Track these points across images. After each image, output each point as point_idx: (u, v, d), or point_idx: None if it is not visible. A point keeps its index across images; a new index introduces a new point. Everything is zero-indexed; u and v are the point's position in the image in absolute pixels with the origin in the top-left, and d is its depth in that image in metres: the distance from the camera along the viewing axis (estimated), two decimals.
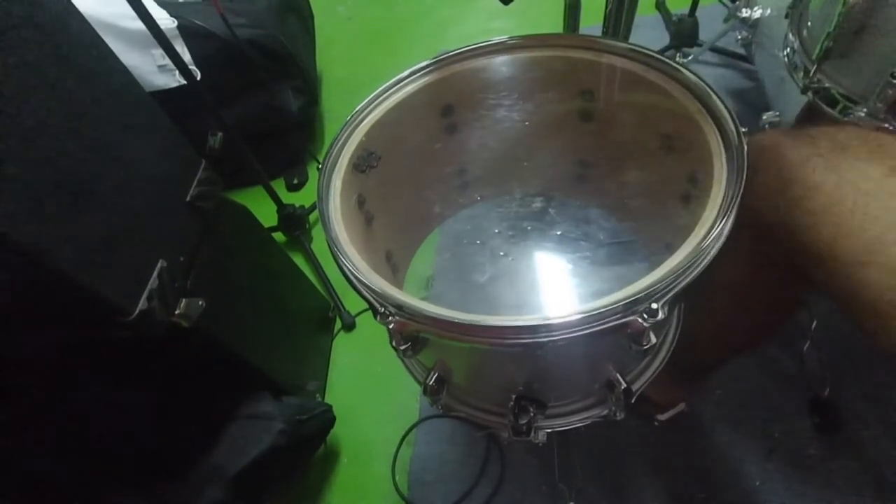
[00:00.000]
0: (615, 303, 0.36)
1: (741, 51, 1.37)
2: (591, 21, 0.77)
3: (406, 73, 0.60)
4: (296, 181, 1.47)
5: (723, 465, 0.83)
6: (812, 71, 0.70)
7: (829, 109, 0.70)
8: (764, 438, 0.84)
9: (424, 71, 0.60)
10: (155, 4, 1.07)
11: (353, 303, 1.17)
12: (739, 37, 1.26)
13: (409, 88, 0.60)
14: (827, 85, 0.69)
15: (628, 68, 0.56)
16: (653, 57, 0.54)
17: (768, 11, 1.14)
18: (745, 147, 0.42)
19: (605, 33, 0.74)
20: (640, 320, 0.35)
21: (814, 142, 0.44)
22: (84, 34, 0.55)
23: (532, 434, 0.51)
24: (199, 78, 1.06)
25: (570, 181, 0.71)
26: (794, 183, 0.43)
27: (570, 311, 0.36)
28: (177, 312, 0.59)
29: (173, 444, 0.73)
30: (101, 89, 0.55)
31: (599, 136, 0.64)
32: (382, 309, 0.40)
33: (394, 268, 0.65)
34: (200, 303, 0.61)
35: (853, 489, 0.78)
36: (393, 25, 2.00)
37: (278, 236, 1.29)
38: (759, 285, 0.54)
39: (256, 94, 1.31)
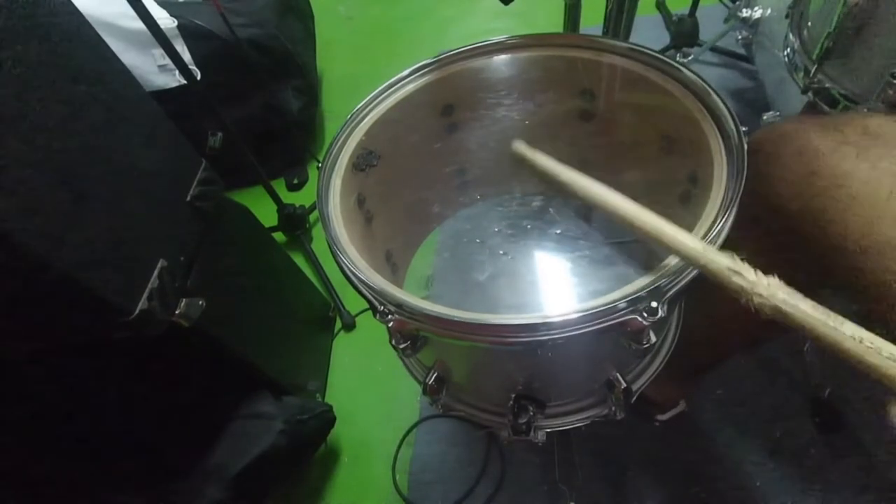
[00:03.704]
0: (615, 301, 0.36)
1: (741, 51, 1.38)
2: (591, 21, 0.77)
3: (406, 72, 0.60)
4: (296, 181, 1.47)
5: (723, 465, 0.83)
6: (812, 71, 0.70)
7: (829, 109, 0.70)
8: (764, 438, 0.84)
9: (424, 70, 0.60)
10: (155, 4, 1.07)
11: (353, 302, 1.17)
12: (740, 37, 1.26)
13: (410, 88, 0.60)
14: (827, 85, 0.69)
15: (628, 68, 0.56)
16: (653, 56, 0.54)
17: (768, 11, 1.14)
18: (746, 146, 0.42)
19: (605, 33, 0.74)
20: (639, 319, 0.35)
21: (841, 130, 0.43)
22: (84, 34, 0.55)
23: (532, 433, 0.51)
24: (198, 78, 1.06)
25: None
26: (821, 172, 0.41)
27: (570, 309, 0.36)
28: (177, 312, 0.59)
29: (174, 443, 0.73)
30: (101, 89, 0.55)
31: (599, 135, 0.63)
32: (382, 307, 0.40)
33: (393, 267, 0.65)
34: (200, 303, 0.61)
35: (854, 489, 0.78)
36: (393, 25, 2.00)
37: (278, 236, 1.29)
38: None
39: (256, 94, 1.31)
